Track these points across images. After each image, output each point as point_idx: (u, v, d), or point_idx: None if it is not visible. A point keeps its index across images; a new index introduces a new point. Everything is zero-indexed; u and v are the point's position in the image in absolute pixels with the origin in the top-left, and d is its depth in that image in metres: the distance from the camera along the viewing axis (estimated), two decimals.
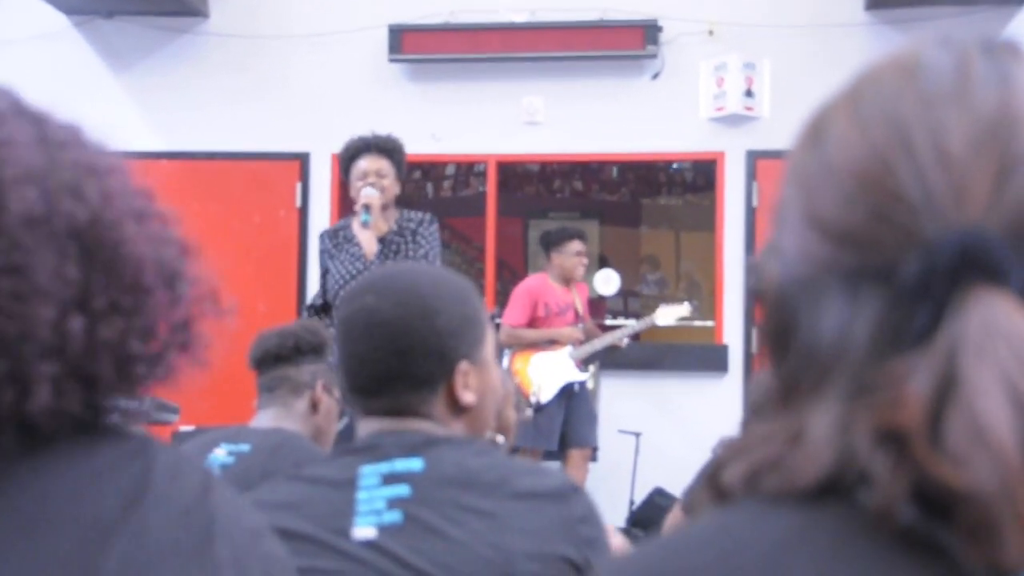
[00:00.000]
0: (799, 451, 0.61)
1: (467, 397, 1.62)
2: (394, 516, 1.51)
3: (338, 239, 4.62)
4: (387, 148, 4.61)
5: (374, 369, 1.60)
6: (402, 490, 1.53)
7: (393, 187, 4.60)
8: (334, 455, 1.68)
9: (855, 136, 0.63)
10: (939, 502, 0.56)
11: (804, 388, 0.64)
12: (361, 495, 1.54)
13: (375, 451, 1.58)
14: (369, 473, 1.56)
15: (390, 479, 1.54)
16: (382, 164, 4.57)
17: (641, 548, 0.67)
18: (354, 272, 4.48)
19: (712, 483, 0.65)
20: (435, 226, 4.66)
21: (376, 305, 1.60)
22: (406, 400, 1.61)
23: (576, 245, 6.48)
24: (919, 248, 0.59)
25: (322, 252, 4.67)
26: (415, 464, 1.55)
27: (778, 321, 0.67)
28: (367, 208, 4.44)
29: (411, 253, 4.46)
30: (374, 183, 4.51)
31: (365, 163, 4.56)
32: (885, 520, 0.58)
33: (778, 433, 0.63)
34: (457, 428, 1.64)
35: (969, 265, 0.58)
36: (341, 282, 4.49)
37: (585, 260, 6.52)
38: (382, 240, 4.49)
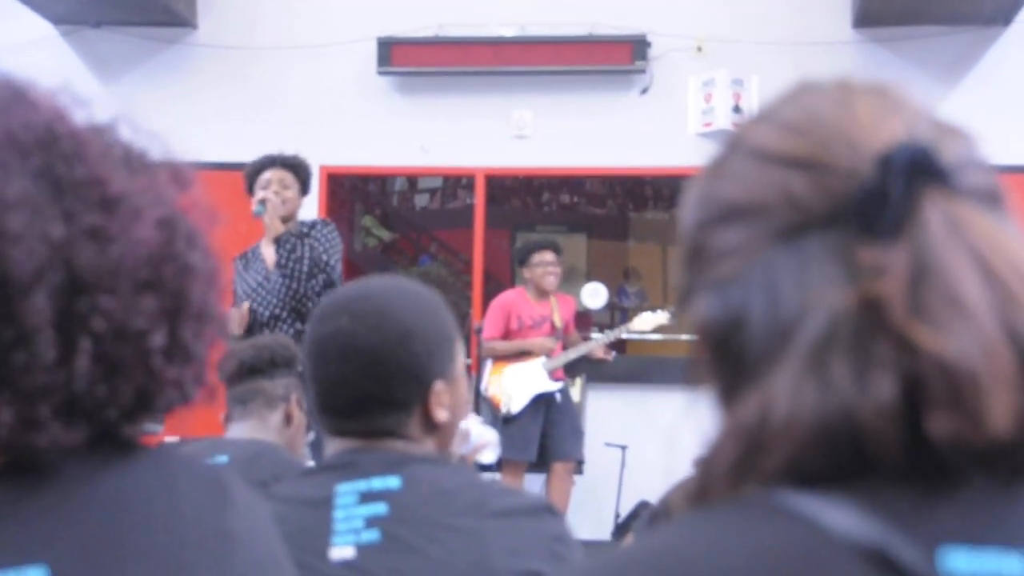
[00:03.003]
0: (772, 409, 0.62)
1: (441, 416, 1.59)
2: (372, 535, 1.48)
3: (247, 259, 4.78)
4: (292, 164, 4.76)
5: (350, 393, 1.57)
6: (380, 508, 1.50)
7: (296, 200, 4.73)
8: (307, 472, 1.65)
9: (770, 128, 0.69)
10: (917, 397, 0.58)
11: (768, 361, 0.64)
12: (338, 514, 1.51)
13: (351, 469, 1.55)
14: (346, 491, 1.53)
15: (367, 497, 1.51)
16: (286, 176, 4.71)
17: (585, 567, 0.66)
18: (256, 283, 4.67)
19: (699, 480, 0.65)
20: (331, 227, 4.78)
21: (352, 328, 1.56)
22: (382, 423, 1.58)
23: (543, 256, 6.45)
24: (871, 163, 0.63)
25: (234, 278, 4.83)
26: (392, 482, 1.52)
27: (722, 331, 0.68)
28: (263, 202, 4.57)
29: (304, 253, 4.57)
30: (277, 192, 4.65)
31: (269, 174, 4.71)
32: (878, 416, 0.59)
33: (750, 403, 0.64)
34: (429, 444, 1.61)
35: (920, 170, 0.62)
36: (248, 291, 4.69)
37: (554, 270, 6.45)
38: (277, 240, 4.61)
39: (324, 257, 4.59)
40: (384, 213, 11.18)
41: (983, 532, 0.58)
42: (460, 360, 1.66)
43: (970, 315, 0.58)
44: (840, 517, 0.59)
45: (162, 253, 0.81)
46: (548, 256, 6.45)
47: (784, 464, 0.61)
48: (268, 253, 4.66)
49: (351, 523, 1.50)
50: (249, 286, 4.68)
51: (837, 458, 0.60)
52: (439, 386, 1.59)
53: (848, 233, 0.63)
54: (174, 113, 7.40)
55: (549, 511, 1.58)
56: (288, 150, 4.82)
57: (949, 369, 0.57)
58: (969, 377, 0.57)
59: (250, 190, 4.69)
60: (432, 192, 11.32)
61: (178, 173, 0.89)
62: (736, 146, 0.71)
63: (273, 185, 4.63)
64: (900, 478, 0.60)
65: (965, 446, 0.58)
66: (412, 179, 10.79)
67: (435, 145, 7.38)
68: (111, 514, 0.78)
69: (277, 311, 4.65)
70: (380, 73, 7.31)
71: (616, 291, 9.84)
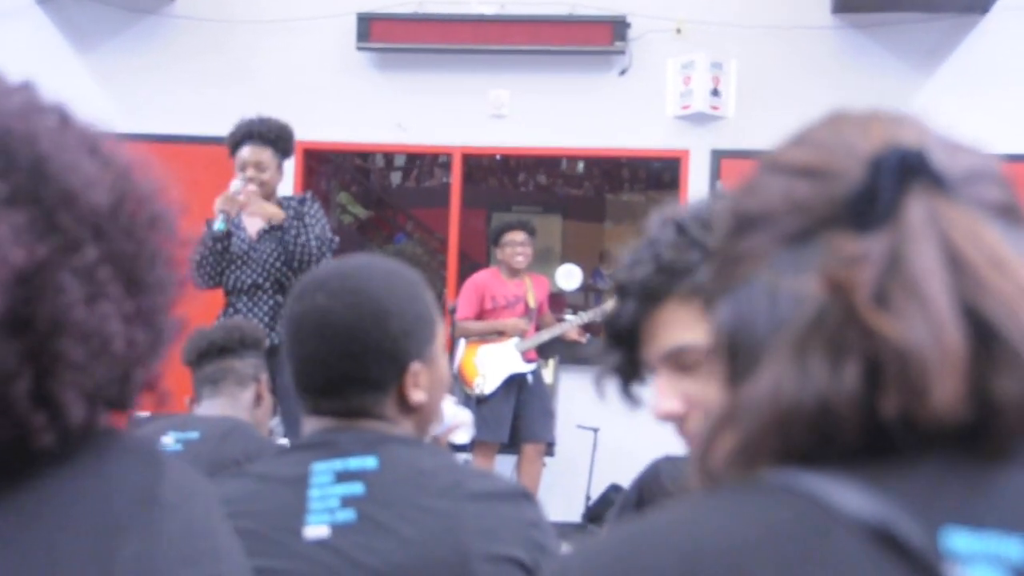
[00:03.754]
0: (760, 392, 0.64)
1: (417, 396, 1.59)
2: (348, 515, 1.48)
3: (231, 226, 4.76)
4: (270, 136, 4.66)
5: (325, 371, 1.56)
6: (356, 488, 1.50)
7: (275, 177, 4.67)
8: (283, 450, 1.64)
9: (795, 147, 0.73)
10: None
11: (765, 352, 0.67)
12: (313, 492, 1.51)
13: (328, 448, 1.55)
14: (322, 470, 1.52)
15: (344, 476, 1.51)
16: (263, 155, 4.62)
17: (597, 542, 0.67)
18: (241, 251, 4.63)
19: (702, 463, 0.67)
20: (319, 203, 4.77)
21: (328, 306, 1.55)
22: (357, 402, 1.57)
23: (513, 236, 6.47)
24: (863, 165, 0.67)
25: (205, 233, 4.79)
26: (369, 462, 1.52)
27: (736, 336, 0.70)
28: (223, 216, 4.51)
29: (309, 236, 4.54)
30: (252, 177, 4.58)
31: (246, 152, 4.62)
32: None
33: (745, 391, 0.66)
34: (407, 425, 1.61)
35: (911, 172, 0.65)
36: (232, 257, 4.64)
37: (523, 250, 6.46)
38: (280, 228, 4.56)
39: (328, 233, 4.62)
40: (360, 190, 11.14)
41: (984, 514, 0.60)
42: (440, 342, 1.65)
43: (926, 301, 0.61)
44: (847, 496, 0.60)
45: (33, 296, 0.75)
46: (518, 236, 6.46)
47: (775, 448, 0.63)
48: (250, 224, 4.64)
49: (326, 502, 1.50)
50: (234, 253, 4.65)
51: (823, 441, 0.63)
52: (416, 367, 1.58)
53: (843, 232, 0.66)
54: (151, 84, 7.34)
55: (525, 497, 1.58)
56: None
57: (901, 352, 0.60)
58: (918, 360, 0.60)
59: (233, 159, 4.68)
60: (401, 169, 11.28)
61: (107, 184, 0.82)
62: (762, 164, 0.74)
63: (249, 169, 4.58)
64: (904, 459, 0.62)
65: (913, 425, 0.61)
66: (388, 156, 10.75)
67: (412, 123, 7.36)
68: (38, 486, 0.78)
69: (260, 280, 4.63)
70: (359, 49, 7.28)
71: (591, 273, 9.84)
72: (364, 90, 7.35)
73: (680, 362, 1.27)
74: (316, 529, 1.48)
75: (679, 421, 1.29)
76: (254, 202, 4.52)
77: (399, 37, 7.29)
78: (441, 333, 1.66)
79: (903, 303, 0.61)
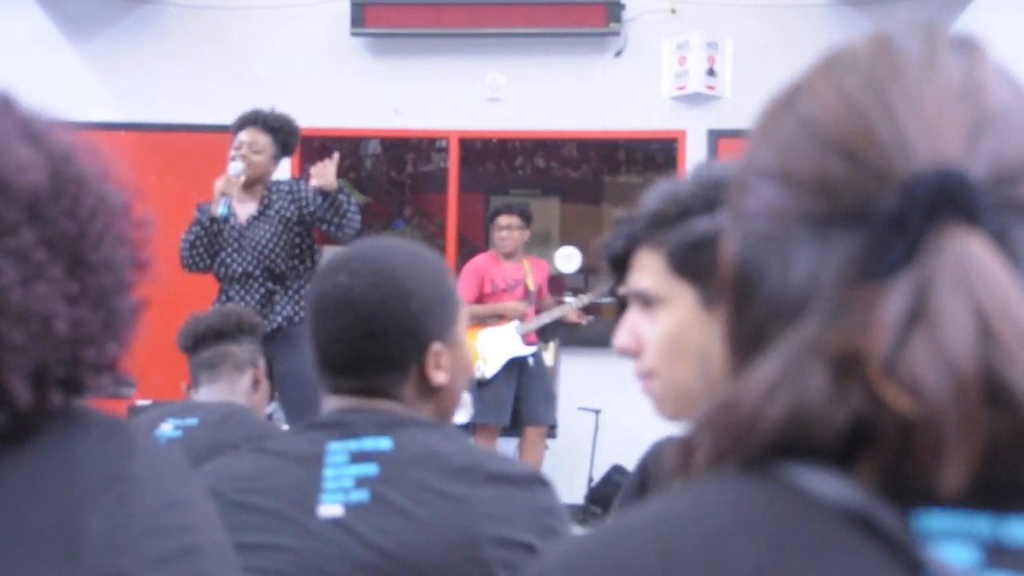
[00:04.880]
0: (743, 402, 0.61)
1: (439, 378, 1.60)
2: (361, 495, 1.49)
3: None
4: (273, 125, 4.65)
5: (345, 349, 1.57)
6: (370, 469, 1.51)
7: (267, 164, 4.66)
8: (299, 429, 1.66)
9: (831, 93, 0.65)
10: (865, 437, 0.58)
11: (768, 336, 0.64)
12: (328, 472, 1.51)
13: (343, 428, 1.55)
14: (337, 450, 1.53)
15: (358, 457, 1.52)
16: (260, 138, 4.62)
17: (574, 543, 0.66)
18: (232, 238, 4.63)
19: (682, 456, 0.66)
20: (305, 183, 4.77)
21: (349, 285, 1.56)
22: (377, 381, 1.58)
23: (501, 219, 6.49)
24: (897, 185, 0.60)
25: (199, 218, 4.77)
26: (384, 443, 1.53)
27: (741, 279, 0.67)
28: (224, 199, 4.50)
29: (352, 206, 4.61)
30: (245, 155, 4.56)
31: (244, 134, 4.62)
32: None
33: (734, 388, 0.64)
34: (427, 408, 1.61)
35: (945, 202, 0.59)
36: (223, 244, 4.64)
37: (509, 234, 6.45)
38: (332, 195, 4.56)
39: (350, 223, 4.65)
40: (358, 176, 11.13)
41: (954, 495, 0.58)
42: (462, 324, 1.66)
43: (959, 377, 0.56)
44: (825, 484, 0.60)
45: None
46: (504, 220, 6.48)
47: (748, 446, 0.62)
48: (241, 210, 4.63)
49: (341, 482, 1.51)
50: (225, 239, 4.64)
51: (798, 443, 0.61)
52: (437, 347, 1.59)
53: (866, 246, 0.61)
54: (146, 74, 7.32)
55: (540, 482, 1.58)
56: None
57: (913, 426, 0.56)
58: (932, 437, 0.56)
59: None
60: (398, 154, 11.26)
61: (44, 168, 0.82)
62: (791, 101, 0.68)
63: (243, 148, 4.59)
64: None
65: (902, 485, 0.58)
66: (385, 142, 10.74)
67: (409, 108, 7.34)
68: (3, 466, 0.79)
69: (250, 268, 4.62)
70: (353, 34, 7.26)
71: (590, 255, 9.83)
72: (359, 76, 7.34)
73: (644, 303, 1.32)
74: (330, 508, 1.49)
75: (635, 358, 1.34)
76: (318, 173, 4.52)
77: (393, 22, 7.27)
78: (464, 316, 1.67)
79: (931, 376, 0.56)
